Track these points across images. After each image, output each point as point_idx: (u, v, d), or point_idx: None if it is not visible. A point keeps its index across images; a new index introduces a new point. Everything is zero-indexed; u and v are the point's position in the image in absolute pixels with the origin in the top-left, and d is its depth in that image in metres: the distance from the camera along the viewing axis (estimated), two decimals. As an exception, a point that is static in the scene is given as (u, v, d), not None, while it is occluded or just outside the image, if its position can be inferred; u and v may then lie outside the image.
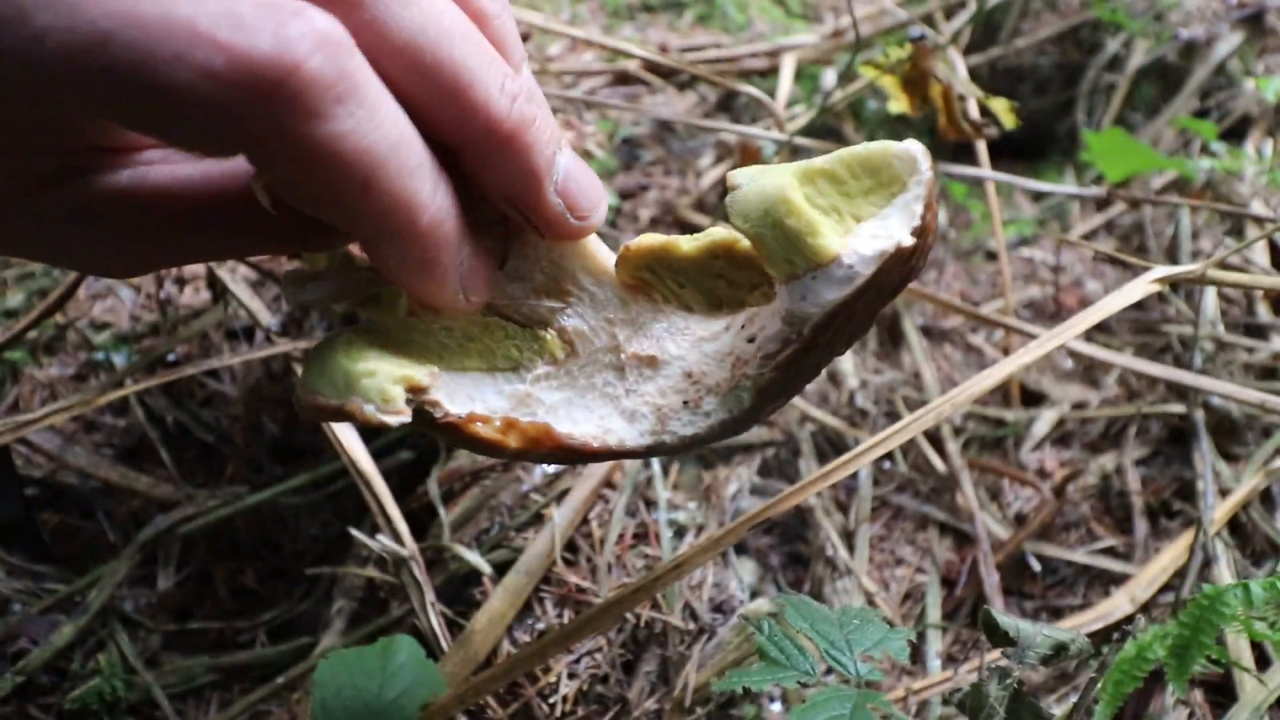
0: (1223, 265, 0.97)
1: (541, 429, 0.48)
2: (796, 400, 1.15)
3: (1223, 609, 0.66)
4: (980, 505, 1.07)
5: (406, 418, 0.44)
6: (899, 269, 0.46)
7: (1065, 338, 0.82)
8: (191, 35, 0.33)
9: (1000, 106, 0.96)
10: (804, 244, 0.44)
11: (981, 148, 1.34)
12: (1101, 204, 1.53)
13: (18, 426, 0.84)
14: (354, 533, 0.87)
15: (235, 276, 0.97)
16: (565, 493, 0.92)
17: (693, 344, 0.51)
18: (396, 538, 0.85)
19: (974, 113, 0.99)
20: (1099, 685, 0.57)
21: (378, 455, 0.99)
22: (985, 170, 1.18)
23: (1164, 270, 0.88)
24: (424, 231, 0.42)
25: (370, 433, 1.04)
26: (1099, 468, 1.12)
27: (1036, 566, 1.03)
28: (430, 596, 0.83)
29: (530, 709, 0.80)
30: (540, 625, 0.84)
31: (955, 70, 0.90)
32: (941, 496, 1.10)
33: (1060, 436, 1.19)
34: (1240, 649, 0.85)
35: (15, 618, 0.90)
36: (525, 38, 1.12)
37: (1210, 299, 1.24)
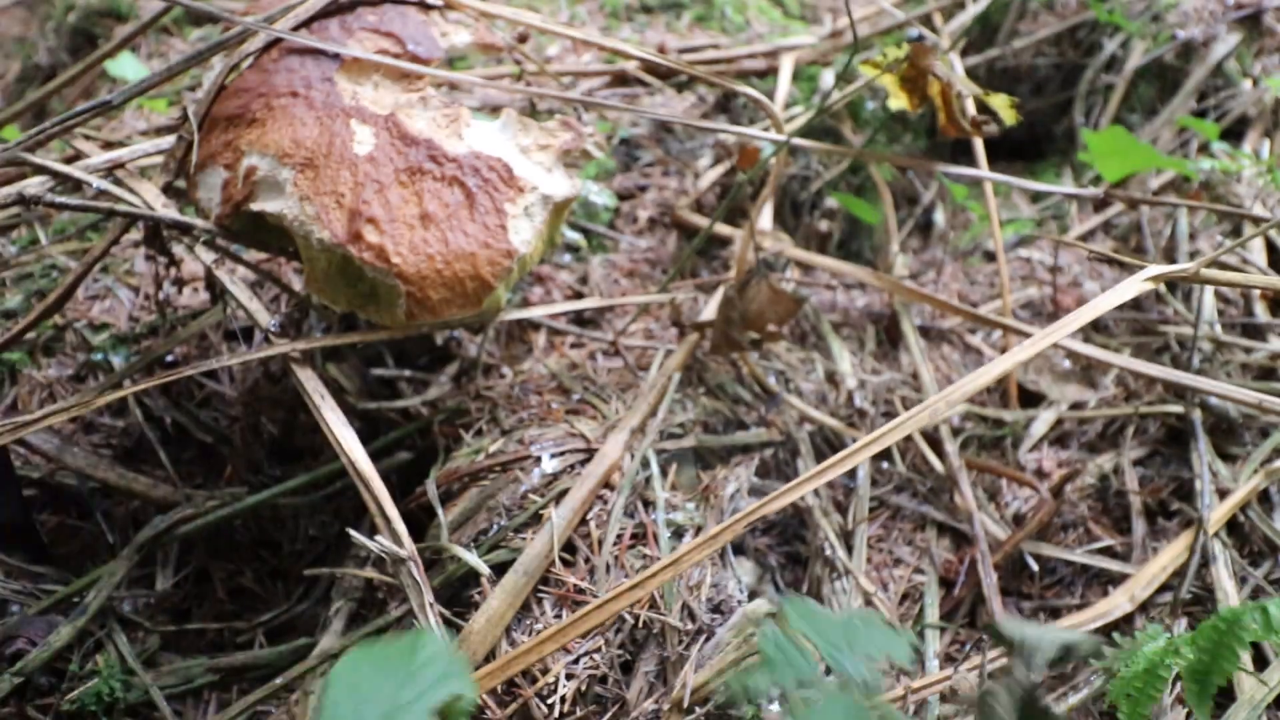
0: (1217, 265, 0.97)
1: None
2: (795, 401, 1.15)
3: (1241, 633, 0.66)
4: (978, 505, 1.07)
5: None
6: None
7: (1059, 335, 0.82)
8: None
9: (1000, 103, 0.96)
10: None
11: (979, 148, 1.34)
12: (1099, 205, 1.53)
13: (16, 427, 0.84)
14: (352, 534, 0.86)
15: (234, 278, 0.97)
16: (564, 493, 0.92)
17: None
18: (395, 538, 0.85)
19: (972, 110, 0.99)
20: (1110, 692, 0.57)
21: (376, 456, 0.99)
22: (983, 170, 1.18)
23: (1157, 269, 0.88)
24: None
25: (369, 433, 1.04)
26: (1097, 468, 1.12)
27: (1035, 566, 1.03)
28: (429, 597, 0.83)
29: (529, 709, 0.80)
30: (539, 626, 0.84)
31: (954, 68, 0.90)
32: (940, 497, 1.10)
33: (1058, 437, 1.19)
34: (1238, 649, 0.85)
35: (14, 619, 0.89)
36: (524, 39, 1.12)
37: (1208, 299, 1.24)
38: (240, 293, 0.96)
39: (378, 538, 0.85)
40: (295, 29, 0.93)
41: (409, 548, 0.85)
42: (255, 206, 0.85)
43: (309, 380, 0.89)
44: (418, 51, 0.94)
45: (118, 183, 0.92)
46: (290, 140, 0.85)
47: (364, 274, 0.84)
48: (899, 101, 0.97)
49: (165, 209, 0.90)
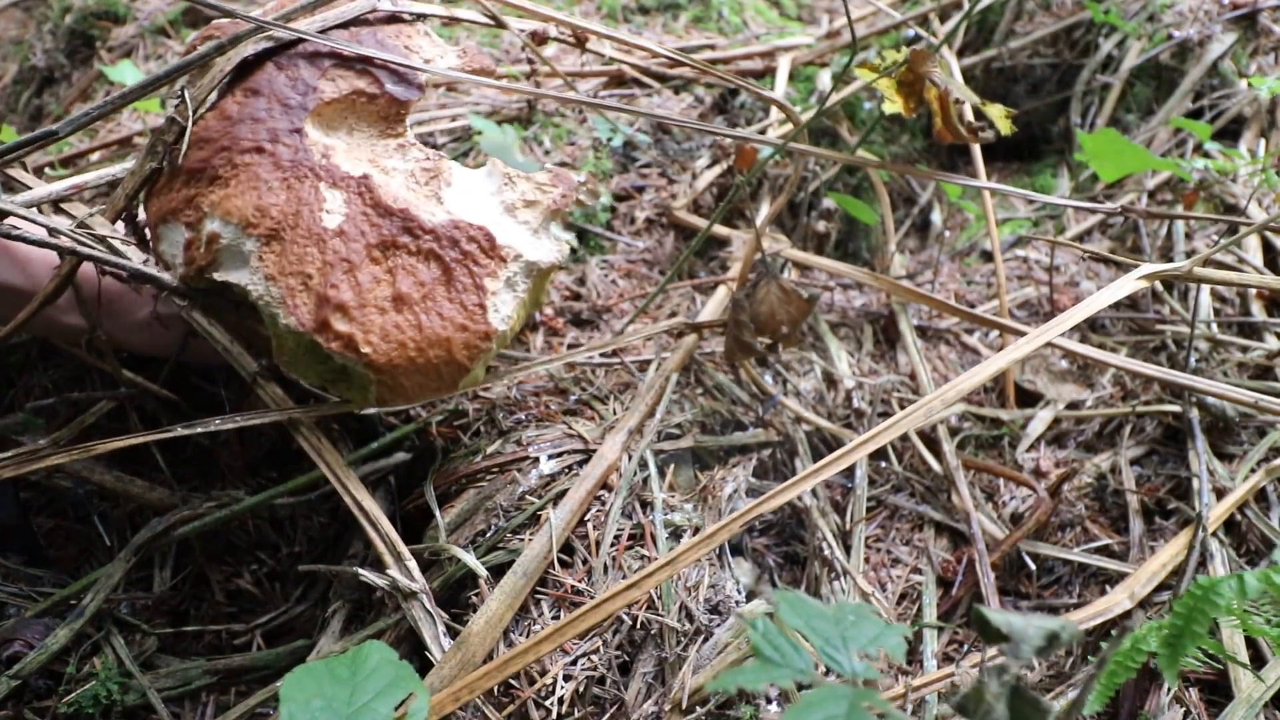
0: (1211, 264, 0.98)
1: None
2: (793, 402, 1.15)
3: (1216, 599, 0.66)
4: (976, 505, 1.07)
5: None
6: None
7: (1054, 333, 0.82)
8: None
9: (996, 113, 0.96)
10: None
11: (977, 152, 1.34)
12: (1103, 204, 1.53)
13: (22, 461, 0.83)
14: (360, 572, 0.86)
15: (212, 320, 0.96)
16: (562, 495, 0.92)
17: None
18: (406, 574, 0.84)
19: (969, 117, 0.99)
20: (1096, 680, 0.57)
21: (374, 456, 0.99)
22: (981, 180, 1.17)
23: (1151, 267, 0.88)
24: None
25: (366, 434, 1.04)
26: (1094, 467, 1.12)
27: (1032, 566, 1.03)
28: (441, 629, 0.83)
29: (526, 711, 0.80)
30: (537, 627, 0.84)
31: (952, 74, 0.90)
32: (937, 496, 1.10)
33: (1056, 436, 1.19)
34: (1236, 645, 0.85)
35: (10, 621, 0.89)
36: (542, 40, 1.10)
37: (1205, 299, 1.25)
38: (221, 336, 0.94)
39: (389, 571, 0.84)
40: (258, 63, 0.85)
41: (420, 582, 0.84)
42: (218, 276, 0.79)
43: (314, 440, 0.89)
44: (396, 93, 0.87)
45: (67, 215, 0.86)
46: (254, 207, 0.78)
47: (340, 363, 0.79)
48: (895, 106, 0.98)
49: (130, 249, 0.85)
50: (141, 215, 0.87)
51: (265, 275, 0.77)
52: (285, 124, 0.82)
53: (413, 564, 0.85)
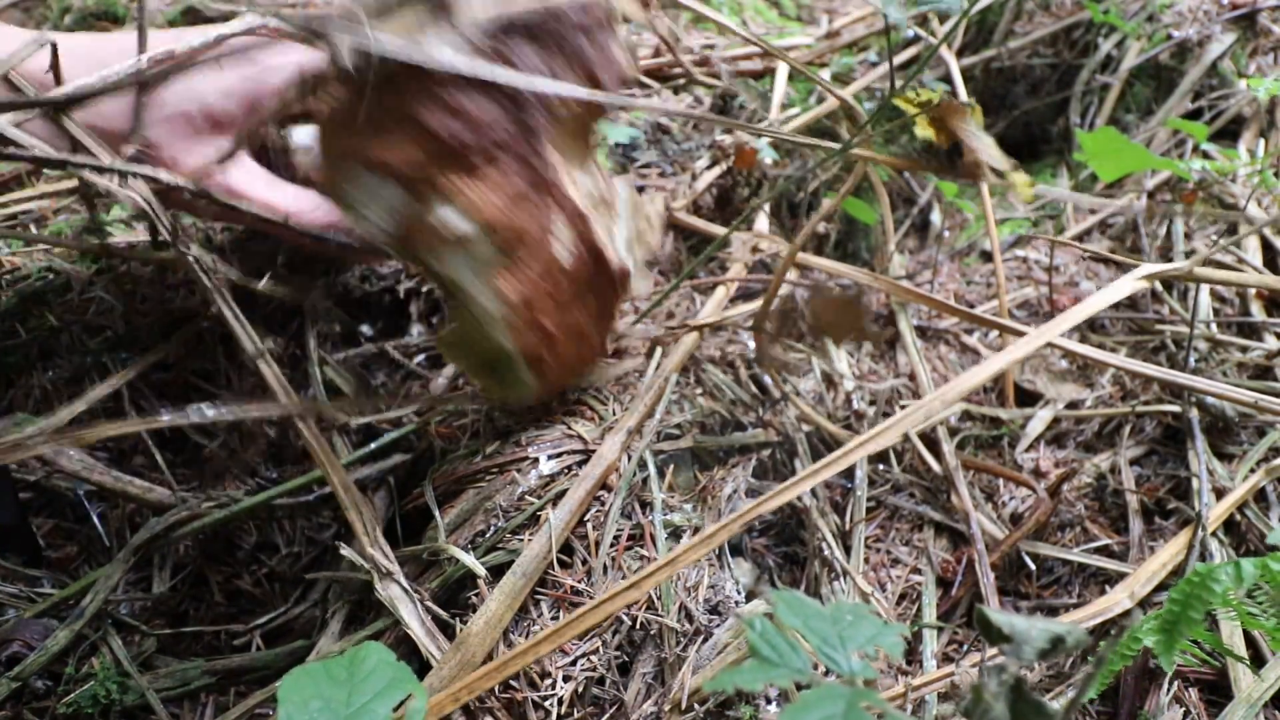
0: (1211, 263, 0.98)
1: None
2: (792, 402, 1.15)
3: (1213, 586, 0.66)
4: (976, 505, 1.07)
5: None
6: None
7: (1053, 334, 0.83)
8: None
9: (1020, 180, 0.96)
10: None
11: (986, 195, 1.33)
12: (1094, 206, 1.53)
13: (15, 446, 0.83)
14: (343, 548, 0.86)
15: (224, 289, 0.95)
16: (561, 495, 0.92)
17: None
18: (382, 552, 0.85)
19: (995, 161, 0.98)
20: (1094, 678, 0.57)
21: (374, 457, 0.99)
22: (991, 234, 1.16)
23: (1151, 267, 0.88)
24: None
25: (366, 435, 1.04)
26: (1094, 467, 1.12)
27: (1032, 566, 1.03)
28: (420, 608, 0.83)
29: (525, 711, 0.80)
30: (536, 628, 0.84)
31: (981, 136, 0.91)
32: (937, 497, 1.10)
33: (1055, 436, 1.19)
34: (1235, 644, 0.85)
35: (9, 622, 0.89)
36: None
37: (1204, 298, 1.25)
38: (227, 311, 0.93)
39: (370, 550, 0.85)
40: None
41: (393, 564, 0.85)
42: (435, 266, 0.72)
43: (315, 440, 0.89)
44: (605, 79, 0.74)
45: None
46: (501, 213, 0.71)
47: (517, 374, 0.82)
48: (928, 133, 0.99)
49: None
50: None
51: (497, 292, 0.74)
52: (528, 119, 0.72)
53: (385, 545, 0.86)
